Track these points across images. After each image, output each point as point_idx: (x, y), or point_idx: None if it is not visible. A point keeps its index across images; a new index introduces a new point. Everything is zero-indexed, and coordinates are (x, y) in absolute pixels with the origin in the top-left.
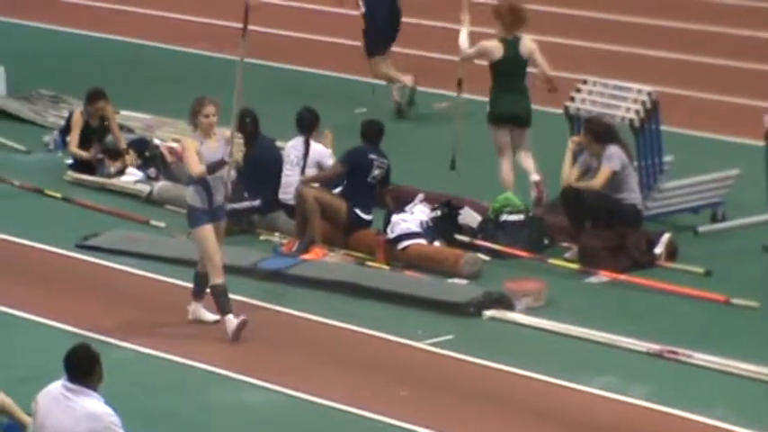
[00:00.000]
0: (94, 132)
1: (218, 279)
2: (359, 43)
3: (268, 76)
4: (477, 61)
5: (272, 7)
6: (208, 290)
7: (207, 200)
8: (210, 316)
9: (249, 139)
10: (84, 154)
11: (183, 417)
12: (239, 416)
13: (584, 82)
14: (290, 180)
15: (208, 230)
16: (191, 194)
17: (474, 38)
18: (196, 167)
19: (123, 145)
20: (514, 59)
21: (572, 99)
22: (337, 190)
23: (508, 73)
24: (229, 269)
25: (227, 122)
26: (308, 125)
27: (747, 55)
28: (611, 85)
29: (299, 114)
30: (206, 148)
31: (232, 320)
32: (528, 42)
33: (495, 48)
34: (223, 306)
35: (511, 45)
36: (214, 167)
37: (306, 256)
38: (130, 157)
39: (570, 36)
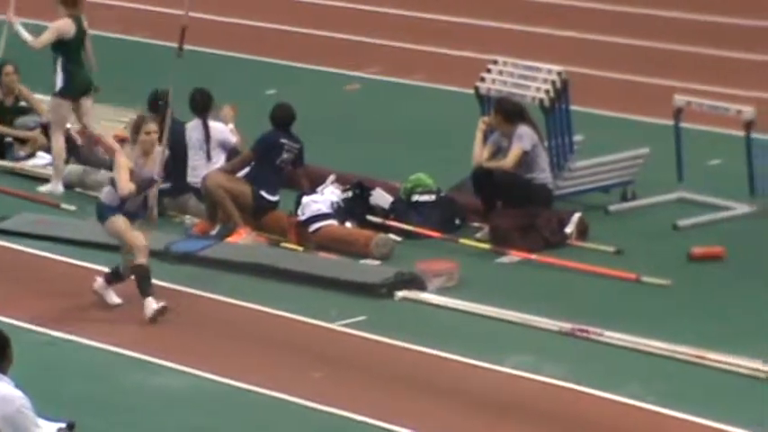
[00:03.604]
0: (9, 112)
1: (141, 259)
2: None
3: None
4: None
5: None
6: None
7: (118, 205)
8: (115, 299)
9: (161, 121)
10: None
11: (98, 401)
12: (154, 399)
13: (495, 62)
14: (196, 164)
15: (120, 221)
16: (105, 193)
17: None
18: (126, 186)
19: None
20: (82, 35)
21: (482, 79)
22: (243, 172)
23: (78, 48)
24: None
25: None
26: (201, 106)
27: (656, 35)
28: (521, 65)
29: (191, 96)
30: (139, 166)
31: (151, 303)
32: (85, 21)
33: (69, 25)
34: (144, 288)
35: (78, 22)
36: (144, 186)
37: (230, 239)
38: (41, 138)
39: (480, 16)
